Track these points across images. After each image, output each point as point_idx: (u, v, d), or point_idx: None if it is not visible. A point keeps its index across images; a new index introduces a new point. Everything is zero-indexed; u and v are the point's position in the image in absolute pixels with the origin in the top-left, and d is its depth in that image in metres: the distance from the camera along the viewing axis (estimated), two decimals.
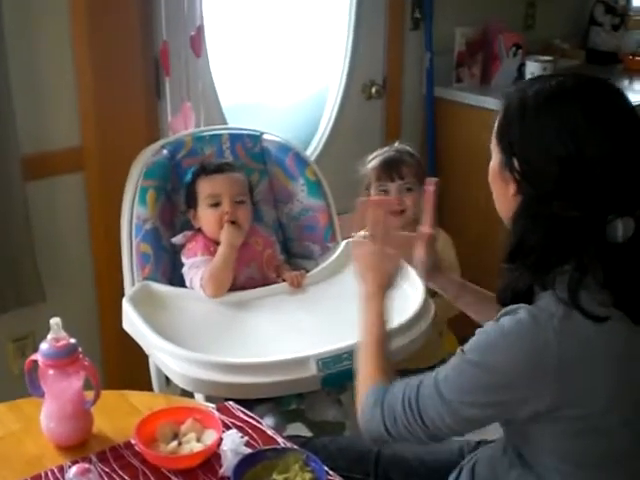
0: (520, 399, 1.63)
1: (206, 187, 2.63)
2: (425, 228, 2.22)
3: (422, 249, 2.21)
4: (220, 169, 2.66)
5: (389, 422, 1.75)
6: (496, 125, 1.73)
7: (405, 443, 1.80)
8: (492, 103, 3.72)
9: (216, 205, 2.61)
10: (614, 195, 1.61)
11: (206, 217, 2.63)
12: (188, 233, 2.66)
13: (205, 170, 2.66)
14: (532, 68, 4.00)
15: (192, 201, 2.66)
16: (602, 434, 1.67)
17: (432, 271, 2.25)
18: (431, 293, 2.68)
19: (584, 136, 1.59)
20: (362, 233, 2.94)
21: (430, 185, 2.22)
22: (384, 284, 2.00)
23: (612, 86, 1.69)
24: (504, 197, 1.73)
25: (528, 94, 1.66)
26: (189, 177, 2.68)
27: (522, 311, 1.62)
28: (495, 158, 1.74)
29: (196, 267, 2.56)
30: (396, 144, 3.08)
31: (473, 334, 1.70)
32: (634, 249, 1.63)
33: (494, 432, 1.93)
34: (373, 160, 3.00)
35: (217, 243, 2.58)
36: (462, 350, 1.69)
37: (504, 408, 1.66)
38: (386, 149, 3.03)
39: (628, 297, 1.63)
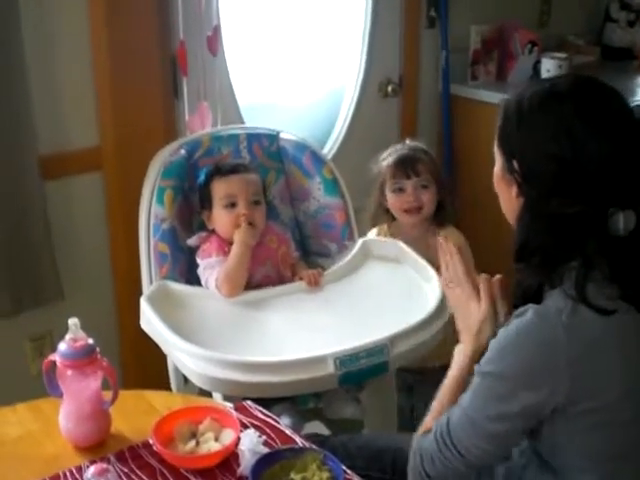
0: (539, 400, 1.63)
1: (221, 188, 2.60)
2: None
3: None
4: (235, 170, 2.63)
5: (427, 465, 1.76)
6: (496, 130, 1.76)
7: None
8: None
9: (232, 206, 2.59)
10: (613, 189, 1.63)
11: (221, 218, 2.60)
12: (202, 234, 2.64)
13: (220, 171, 2.63)
14: (547, 65, 3.98)
15: (206, 202, 2.63)
16: (617, 427, 1.67)
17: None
18: None
19: (578, 135, 1.61)
20: (374, 231, 2.95)
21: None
22: (473, 331, 1.90)
23: (606, 86, 1.71)
24: (508, 199, 1.76)
25: (524, 98, 1.69)
26: (202, 178, 2.64)
27: (530, 311, 1.63)
28: (497, 162, 1.77)
29: (211, 267, 2.54)
30: (407, 141, 3.05)
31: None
32: (637, 241, 1.65)
33: None
34: (387, 158, 2.97)
35: (231, 243, 2.56)
36: (479, 365, 1.70)
37: (528, 413, 1.66)
38: (399, 147, 3.01)
39: (634, 289, 1.65)
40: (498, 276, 1.93)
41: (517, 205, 1.72)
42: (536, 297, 1.67)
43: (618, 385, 1.64)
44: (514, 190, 1.71)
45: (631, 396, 1.66)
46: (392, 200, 2.93)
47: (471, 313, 1.91)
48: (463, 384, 1.83)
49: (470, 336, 1.89)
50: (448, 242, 2.03)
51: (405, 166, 2.92)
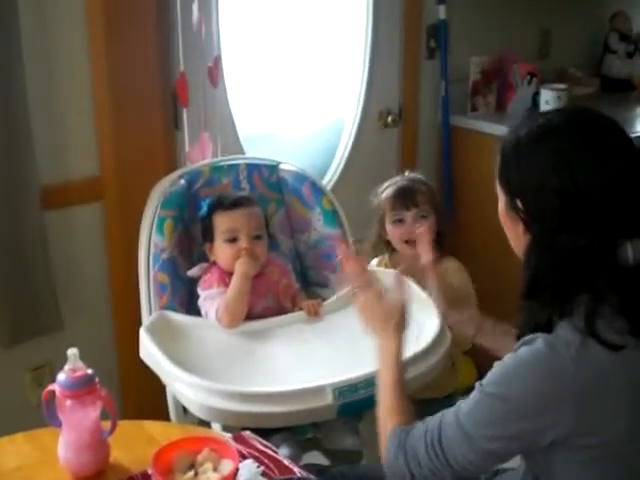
0: (539, 428, 1.63)
1: (223, 222, 2.61)
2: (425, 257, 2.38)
3: (432, 278, 2.38)
4: (237, 203, 2.64)
5: (413, 466, 1.76)
6: (496, 169, 1.76)
7: None
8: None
9: (233, 240, 2.60)
10: (618, 220, 1.63)
11: (223, 252, 2.61)
12: (204, 265, 2.65)
13: (222, 204, 2.63)
14: (546, 96, 4.00)
15: (208, 234, 2.64)
16: (622, 462, 1.67)
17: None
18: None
19: (578, 167, 1.62)
20: (374, 262, 2.96)
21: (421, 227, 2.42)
22: (392, 327, 2.01)
23: (602, 116, 1.72)
24: (516, 236, 1.77)
25: (520, 135, 1.70)
26: (204, 210, 2.65)
27: (539, 340, 1.63)
28: (500, 200, 1.78)
29: (211, 299, 2.55)
30: (406, 173, 3.07)
31: (491, 365, 1.71)
32: None
33: (512, 460, 1.92)
34: (386, 190, 2.97)
35: (232, 274, 2.57)
36: (481, 384, 1.70)
37: (525, 439, 1.66)
38: (397, 179, 3.01)
39: None
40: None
41: (525, 241, 1.73)
42: (545, 327, 1.68)
43: (624, 421, 1.63)
44: (520, 227, 1.73)
45: (637, 432, 1.65)
46: (392, 231, 2.94)
47: (387, 309, 2.02)
48: (402, 381, 1.91)
49: (391, 332, 1.99)
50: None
51: (404, 197, 2.93)
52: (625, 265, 1.62)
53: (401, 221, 2.93)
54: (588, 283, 1.64)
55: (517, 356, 1.65)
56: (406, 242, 2.92)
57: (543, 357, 1.61)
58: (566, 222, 1.63)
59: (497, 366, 1.69)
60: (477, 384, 1.71)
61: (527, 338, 1.67)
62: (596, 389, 1.60)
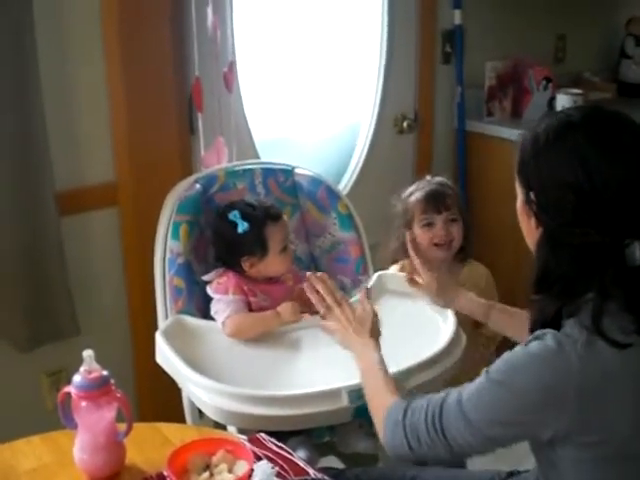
0: (539, 421, 1.67)
1: (277, 233, 2.62)
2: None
3: (425, 275, 2.46)
4: (280, 213, 2.67)
5: (413, 441, 1.79)
6: (515, 164, 1.80)
7: (437, 471, 1.81)
8: None
9: (285, 249, 2.64)
10: (630, 219, 1.66)
11: (280, 263, 2.63)
12: (220, 270, 2.65)
13: (270, 216, 2.62)
14: (562, 101, 4.00)
15: (259, 248, 2.60)
16: (628, 461, 1.69)
17: (446, 294, 2.46)
18: (475, 324, 2.71)
19: (592, 163, 1.65)
20: (394, 268, 2.97)
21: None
22: (367, 332, 2.12)
23: (619, 113, 1.75)
24: (530, 232, 1.80)
25: (539, 131, 1.74)
26: (245, 225, 2.58)
27: (549, 336, 1.66)
28: (519, 196, 1.82)
29: (225, 304, 2.55)
30: (428, 177, 3.08)
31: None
32: None
33: (526, 463, 1.93)
34: (414, 194, 3.01)
35: (252, 280, 2.60)
36: (487, 371, 1.73)
37: (525, 428, 1.70)
38: (425, 182, 3.04)
39: None
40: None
41: (537, 235, 1.77)
42: (554, 322, 1.70)
43: (630, 419, 1.65)
44: (533, 221, 1.76)
45: None
46: (422, 235, 2.96)
47: (363, 319, 2.14)
48: (390, 379, 1.99)
49: (370, 344, 2.10)
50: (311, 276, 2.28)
51: (436, 201, 2.97)
52: (632, 265, 1.65)
53: (431, 224, 2.96)
54: (596, 280, 1.66)
55: (526, 349, 1.67)
56: (436, 245, 2.95)
57: (550, 354, 1.63)
58: (577, 217, 1.66)
59: (506, 355, 1.72)
60: (484, 370, 1.74)
61: (538, 333, 1.68)
62: (601, 388, 1.63)
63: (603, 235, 1.64)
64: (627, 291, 1.65)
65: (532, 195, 1.74)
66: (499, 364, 1.71)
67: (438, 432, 1.75)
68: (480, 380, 1.73)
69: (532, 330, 1.74)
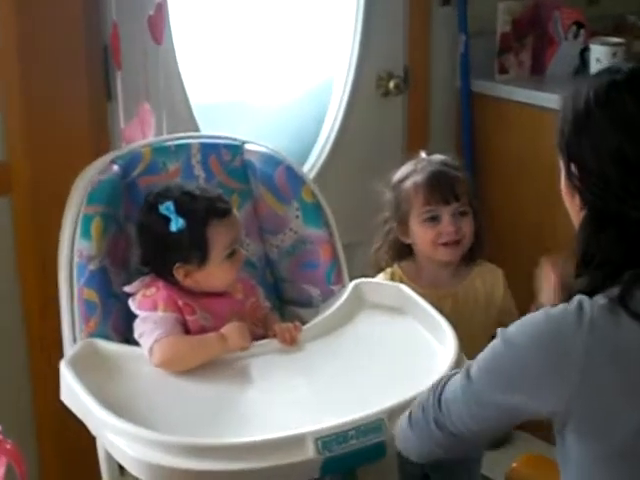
0: (539, 389, 1.83)
1: (222, 234, 2.62)
2: None
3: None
4: (229, 209, 2.67)
5: (414, 406, 2.09)
6: (556, 136, 1.94)
7: None
8: (547, 99, 3.75)
9: (232, 255, 2.64)
10: None
11: (225, 272, 2.63)
12: (146, 279, 2.64)
13: (216, 212, 2.62)
14: (598, 53, 4.00)
15: (198, 253, 2.60)
16: (634, 463, 1.80)
17: None
18: None
19: (638, 127, 1.81)
20: (381, 276, 2.98)
21: None
22: None
23: None
24: (576, 214, 1.96)
25: (579, 94, 1.89)
26: (181, 223, 2.57)
27: (575, 300, 1.83)
28: (562, 172, 1.97)
29: (153, 323, 2.54)
30: (423, 155, 3.08)
31: None
32: None
33: None
34: (411, 177, 3.00)
35: (189, 292, 2.60)
36: (502, 330, 1.92)
37: (524, 399, 1.86)
38: (424, 162, 3.03)
39: None
40: None
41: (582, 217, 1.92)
42: None
43: (637, 413, 1.77)
44: (577, 200, 1.92)
45: None
46: (424, 232, 2.98)
47: None
48: None
49: None
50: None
51: (442, 189, 2.97)
52: None
53: (435, 219, 2.96)
54: (637, 259, 1.82)
55: (546, 309, 1.86)
56: (444, 245, 2.94)
57: (565, 311, 1.81)
58: (623, 189, 1.81)
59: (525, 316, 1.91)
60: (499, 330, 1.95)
61: None
62: (610, 363, 1.77)
63: None
64: None
65: (573, 167, 1.89)
66: (515, 324, 1.90)
67: (436, 393, 2.00)
68: (493, 341, 1.92)
69: None
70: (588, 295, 1.82)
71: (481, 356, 1.94)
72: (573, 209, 1.95)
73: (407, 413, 2.10)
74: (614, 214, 1.82)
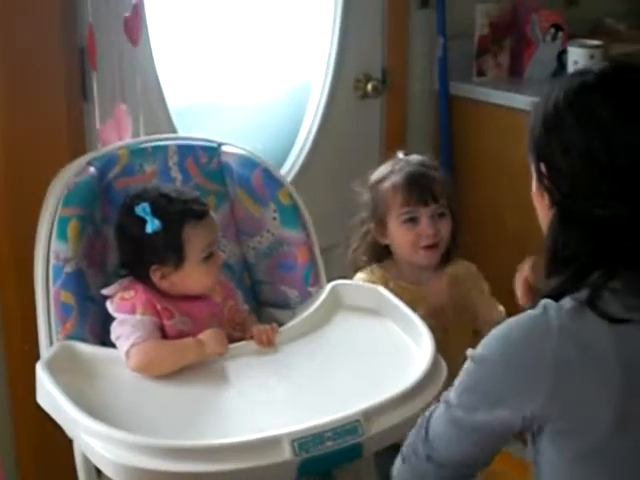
0: (516, 399, 1.84)
1: (200, 236, 2.61)
2: None
3: None
4: (207, 210, 2.67)
5: (406, 445, 2.04)
6: (527, 139, 1.97)
7: None
8: (525, 102, 3.73)
9: (209, 257, 2.63)
10: None
11: (202, 275, 2.63)
12: (124, 282, 2.64)
13: (193, 213, 2.62)
14: (575, 55, 4.03)
15: (174, 255, 2.59)
16: (612, 461, 1.83)
17: None
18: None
19: (607, 125, 1.82)
20: (360, 276, 2.98)
21: None
22: None
23: None
24: (545, 215, 1.97)
25: (549, 97, 1.91)
26: (157, 224, 2.57)
27: (539, 305, 1.85)
28: (533, 175, 1.99)
29: (131, 326, 2.54)
30: (401, 155, 3.07)
31: None
32: None
33: None
34: (388, 178, 2.99)
35: (167, 296, 2.60)
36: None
37: (504, 413, 1.86)
38: (402, 162, 3.02)
39: None
40: None
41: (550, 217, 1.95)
42: None
43: (612, 409, 1.78)
44: (547, 200, 1.94)
45: (629, 423, 1.80)
46: (402, 234, 2.96)
47: None
48: None
49: None
50: None
51: (421, 189, 2.94)
52: None
53: (414, 220, 2.95)
54: (607, 258, 1.84)
55: (510, 319, 1.89)
56: (424, 248, 2.94)
57: (530, 319, 1.85)
58: (591, 188, 1.83)
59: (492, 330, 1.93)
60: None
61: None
62: (582, 361, 1.79)
63: (620, 207, 1.81)
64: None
65: (543, 168, 1.91)
66: (482, 343, 1.91)
67: (423, 428, 1.99)
68: (465, 365, 1.94)
69: None
70: (557, 297, 1.85)
71: (457, 382, 1.95)
72: (542, 210, 1.97)
73: (400, 459, 2.05)
74: (582, 213, 1.84)
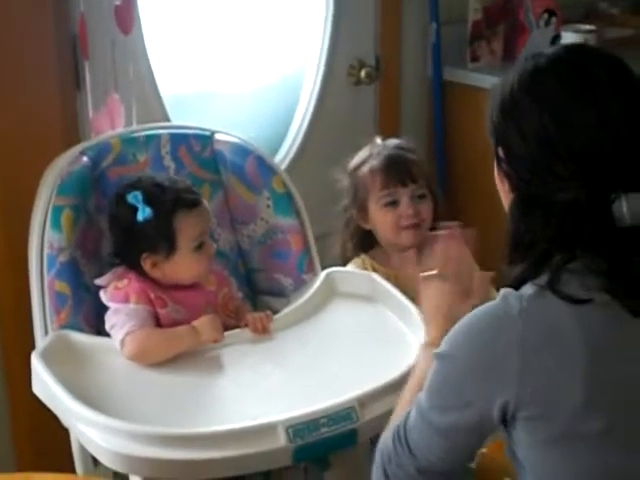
0: (486, 392, 1.84)
1: (191, 225, 2.62)
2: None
3: None
4: (199, 199, 2.67)
5: (387, 464, 1.96)
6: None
7: None
8: None
9: (200, 247, 2.63)
10: (609, 170, 1.82)
11: (194, 263, 2.63)
12: (118, 270, 2.65)
13: (185, 202, 2.63)
14: (569, 40, 3.99)
15: (165, 243, 2.60)
16: (581, 444, 1.83)
17: None
18: None
19: (562, 107, 1.83)
20: (351, 265, 2.98)
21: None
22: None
23: (599, 52, 1.95)
24: (507, 199, 1.97)
25: (507, 80, 1.92)
26: (149, 212, 2.58)
27: (499, 296, 1.87)
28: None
29: (125, 315, 2.55)
30: (378, 140, 3.08)
31: None
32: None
33: None
34: (367, 163, 3.00)
35: (161, 285, 2.61)
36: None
37: (476, 408, 1.86)
38: (379, 147, 3.04)
39: (632, 287, 1.82)
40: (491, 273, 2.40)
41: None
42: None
43: (582, 386, 1.79)
44: (507, 184, 1.95)
45: (597, 403, 1.81)
46: (383, 217, 2.96)
47: (461, 308, 2.19)
48: None
49: (439, 330, 2.20)
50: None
51: (399, 171, 2.96)
52: (621, 225, 1.80)
53: (395, 203, 2.95)
54: (567, 241, 1.84)
55: (470, 313, 1.91)
56: (405, 228, 2.95)
57: (491, 309, 1.86)
58: (548, 172, 1.84)
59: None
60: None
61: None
62: (546, 345, 1.81)
63: (579, 190, 1.80)
64: (604, 253, 1.82)
65: (501, 152, 1.92)
66: (444, 340, 1.92)
67: (402, 442, 1.93)
68: (432, 366, 1.93)
69: None
70: (519, 284, 1.86)
71: (426, 384, 1.94)
72: (504, 195, 1.98)
73: (380, 473, 1.99)
74: (540, 197, 1.85)
